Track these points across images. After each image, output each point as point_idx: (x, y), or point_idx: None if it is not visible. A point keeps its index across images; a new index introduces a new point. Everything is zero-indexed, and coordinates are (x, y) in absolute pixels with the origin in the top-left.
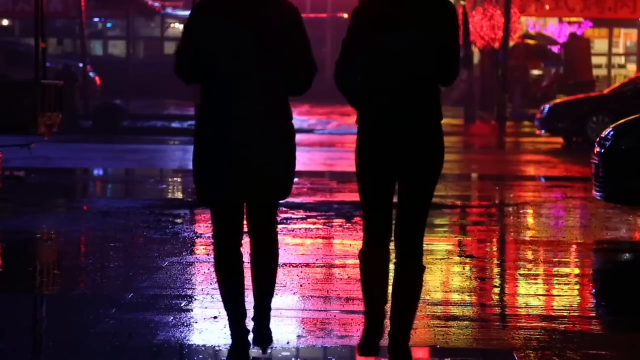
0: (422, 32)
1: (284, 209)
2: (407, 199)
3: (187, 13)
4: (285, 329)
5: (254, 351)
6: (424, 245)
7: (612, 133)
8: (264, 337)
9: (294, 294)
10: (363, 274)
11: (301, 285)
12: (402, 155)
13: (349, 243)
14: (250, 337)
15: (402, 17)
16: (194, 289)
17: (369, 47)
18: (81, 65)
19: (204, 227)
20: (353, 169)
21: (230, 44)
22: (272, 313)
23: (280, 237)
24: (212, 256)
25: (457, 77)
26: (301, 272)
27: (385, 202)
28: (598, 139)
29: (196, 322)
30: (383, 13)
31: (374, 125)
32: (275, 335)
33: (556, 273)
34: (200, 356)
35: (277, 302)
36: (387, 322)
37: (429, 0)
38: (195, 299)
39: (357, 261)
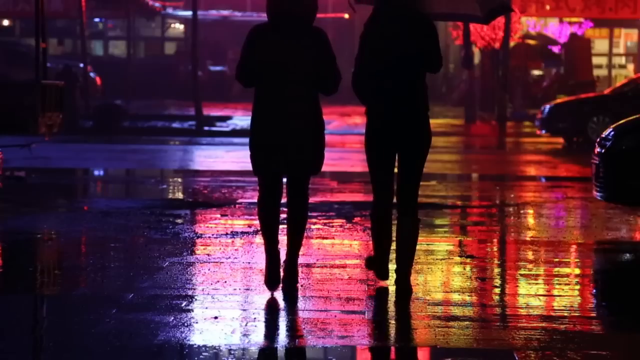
0: (413, 44)
1: (284, 209)
2: (404, 168)
3: (188, 13)
4: (286, 329)
5: (253, 349)
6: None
7: (612, 133)
8: (292, 283)
9: (294, 293)
10: (373, 228)
11: (301, 285)
12: (399, 135)
13: (349, 243)
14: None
15: (398, 35)
16: (194, 289)
17: (375, 59)
18: (81, 65)
19: (204, 227)
20: (353, 169)
21: (279, 58)
22: (273, 313)
23: (280, 237)
24: (213, 255)
25: (442, 66)
26: (301, 272)
27: (388, 171)
28: (598, 139)
29: (196, 322)
30: (383, 34)
31: (379, 114)
32: (275, 335)
33: (556, 273)
34: (201, 356)
35: (277, 302)
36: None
37: (415, 20)
38: (196, 299)
39: (357, 261)
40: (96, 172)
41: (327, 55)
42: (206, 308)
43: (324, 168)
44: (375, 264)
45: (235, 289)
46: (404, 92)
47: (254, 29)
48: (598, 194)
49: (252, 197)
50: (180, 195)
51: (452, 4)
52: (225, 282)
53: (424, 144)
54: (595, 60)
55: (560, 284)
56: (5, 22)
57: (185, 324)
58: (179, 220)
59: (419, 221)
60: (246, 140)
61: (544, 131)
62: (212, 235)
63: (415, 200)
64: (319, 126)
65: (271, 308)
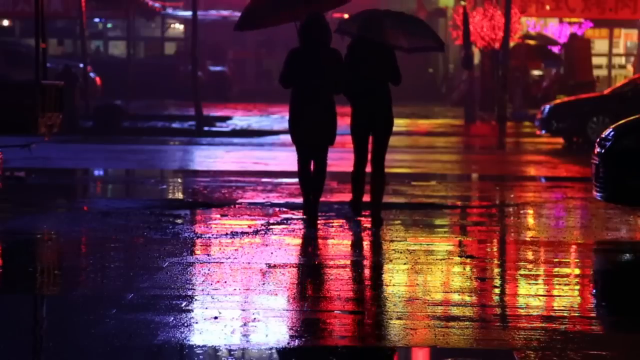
0: (381, 61)
1: (285, 209)
2: (376, 143)
3: (188, 13)
4: (286, 329)
5: (253, 349)
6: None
7: (612, 133)
8: (316, 218)
9: (294, 294)
10: (353, 180)
11: (301, 286)
12: (373, 122)
13: (349, 243)
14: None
15: (372, 55)
16: (194, 289)
17: (356, 75)
18: (81, 65)
19: (204, 227)
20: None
21: (309, 67)
22: (273, 313)
23: (280, 237)
24: (213, 255)
25: (401, 81)
26: (301, 272)
27: (365, 145)
28: (598, 139)
29: (196, 322)
30: (360, 58)
31: (361, 109)
32: (275, 335)
33: (556, 273)
34: (200, 356)
35: (277, 302)
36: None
37: (380, 49)
38: (195, 299)
39: (358, 261)
40: (96, 172)
41: (340, 67)
42: (206, 308)
43: None
44: (353, 205)
45: (235, 289)
46: (375, 95)
47: (292, 50)
48: (598, 194)
49: (252, 197)
50: (180, 196)
51: (410, 41)
52: (225, 282)
53: (389, 128)
54: (595, 60)
55: (560, 284)
56: (5, 22)
57: (185, 324)
58: (179, 221)
59: (385, 175)
60: (246, 140)
61: (543, 131)
62: (212, 235)
63: (383, 164)
64: (333, 113)
65: (271, 308)
